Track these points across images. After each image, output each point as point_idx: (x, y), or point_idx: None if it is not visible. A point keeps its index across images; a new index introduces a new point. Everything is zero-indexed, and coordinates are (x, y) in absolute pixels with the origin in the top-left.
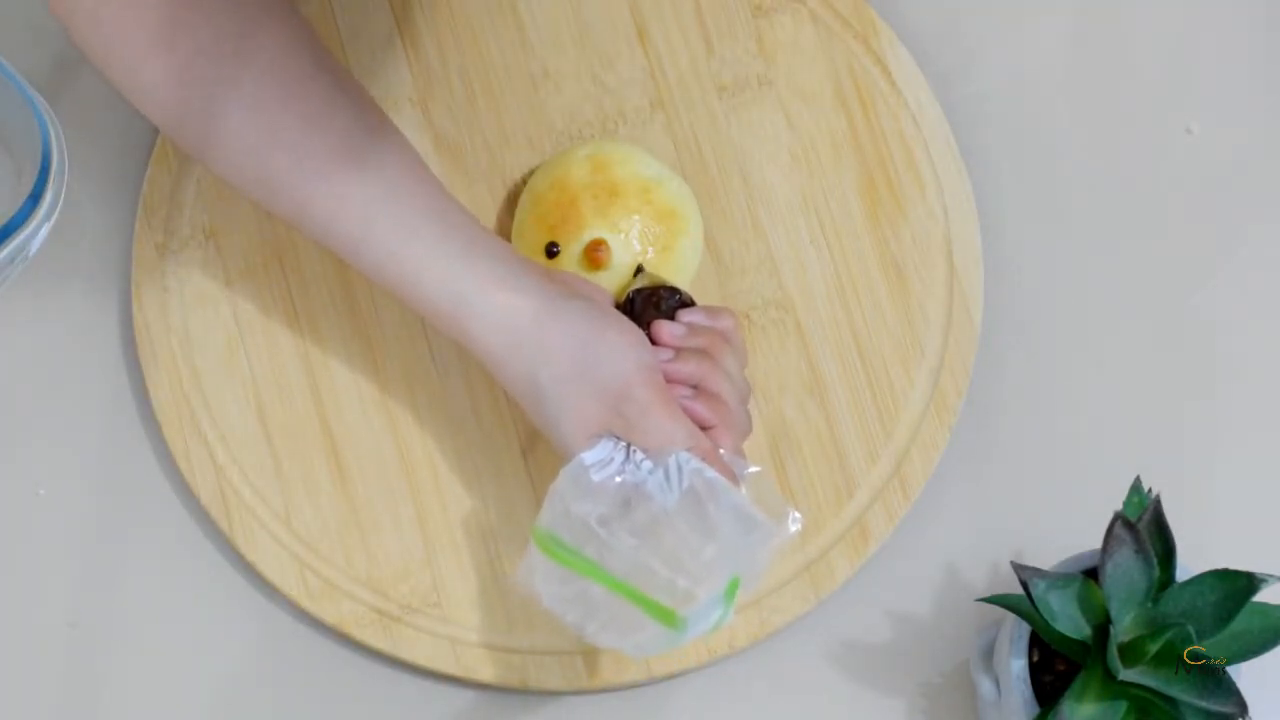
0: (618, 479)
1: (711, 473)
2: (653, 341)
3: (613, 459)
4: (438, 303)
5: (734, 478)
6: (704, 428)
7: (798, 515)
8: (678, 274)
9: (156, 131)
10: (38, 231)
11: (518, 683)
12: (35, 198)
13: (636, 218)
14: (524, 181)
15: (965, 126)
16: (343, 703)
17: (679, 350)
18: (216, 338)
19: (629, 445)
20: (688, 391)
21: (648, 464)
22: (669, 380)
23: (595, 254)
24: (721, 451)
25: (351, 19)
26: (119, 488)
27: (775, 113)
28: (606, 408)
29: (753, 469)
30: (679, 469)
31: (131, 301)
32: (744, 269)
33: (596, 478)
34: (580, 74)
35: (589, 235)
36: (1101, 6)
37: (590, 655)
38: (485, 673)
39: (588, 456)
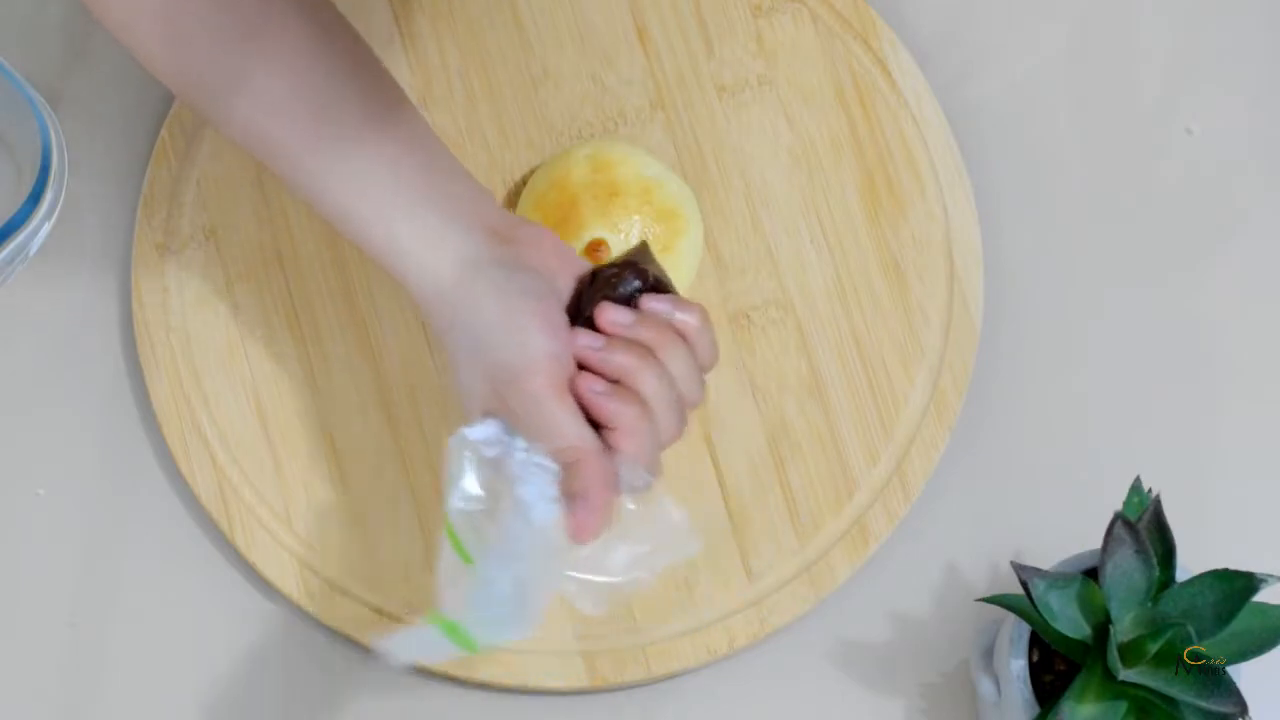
0: (490, 457)
1: (539, 459)
2: (594, 324)
3: (500, 440)
4: (382, 250)
5: (614, 485)
6: (606, 428)
7: (697, 544)
8: (678, 274)
9: (157, 131)
10: (38, 231)
11: (518, 683)
12: (35, 198)
13: (636, 218)
14: (524, 181)
15: (965, 126)
16: (343, 703)
17: (612, 339)
18: (216, 338)
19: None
20: (602, 386)
21: (522, 454)
22: (589, 369)
23: (595, 254)
24: (619, 457)
25: (351, 19)
26: (119, 488)
27: (775, 113)
28: (494, 393)
29: (668, 502)
30: (527, 461)
31: (131, 302)
32: (744, 269)
33: (471, 456)
34: (580, 74)
35: (589, 235)
36: (1102, 6)
37: (590, 655)
38: (485, 672)
39: (471, 432)
